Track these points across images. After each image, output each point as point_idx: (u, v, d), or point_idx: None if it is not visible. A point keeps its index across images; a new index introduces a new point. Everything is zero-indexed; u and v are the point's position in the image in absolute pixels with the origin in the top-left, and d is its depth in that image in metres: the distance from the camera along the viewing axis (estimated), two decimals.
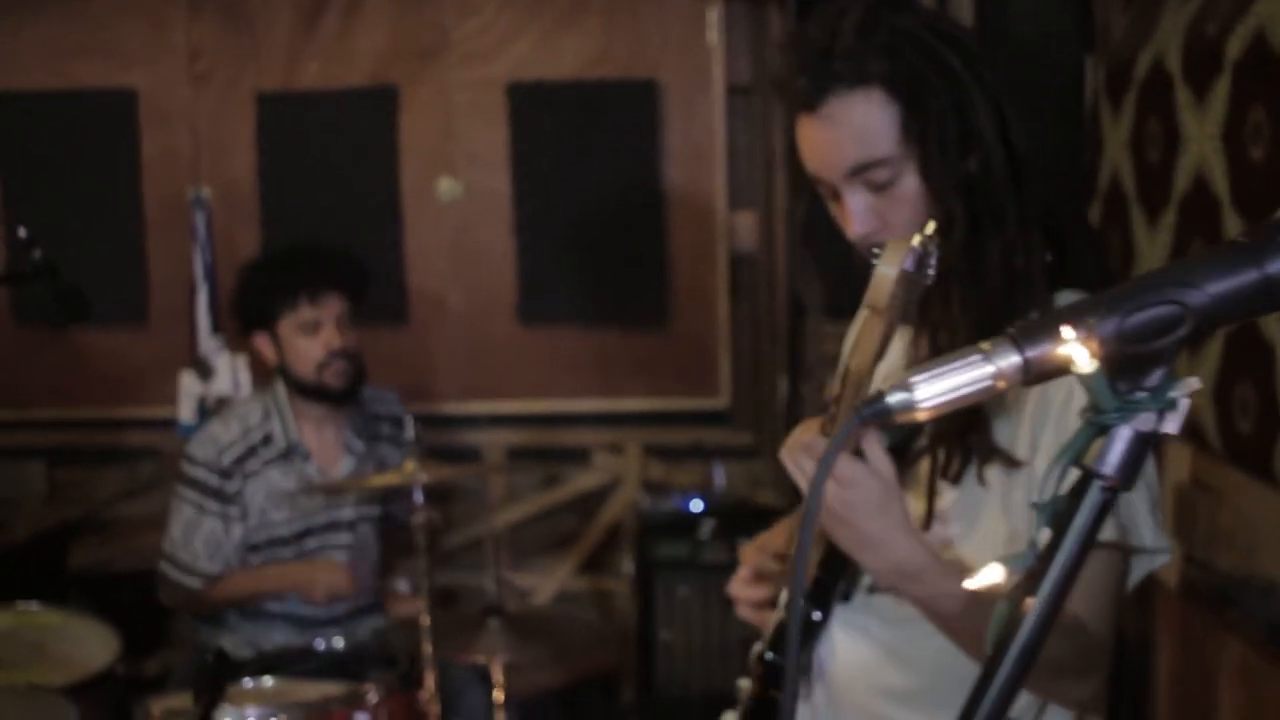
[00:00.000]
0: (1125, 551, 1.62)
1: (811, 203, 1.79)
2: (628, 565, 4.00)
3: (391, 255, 3.98)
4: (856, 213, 1.64)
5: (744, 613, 1.98)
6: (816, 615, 1.82)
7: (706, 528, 3.57)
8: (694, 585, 3.52)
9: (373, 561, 3.39)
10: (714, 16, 3.91)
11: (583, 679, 3.54)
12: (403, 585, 3.38)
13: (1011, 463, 1.61)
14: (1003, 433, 1.63)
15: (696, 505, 3.66)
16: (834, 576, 1.77)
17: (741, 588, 1.97)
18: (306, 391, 3.26)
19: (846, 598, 1.79)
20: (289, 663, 3.01)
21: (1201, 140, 2.77)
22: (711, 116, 3.96)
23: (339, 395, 3.26)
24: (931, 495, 1.65)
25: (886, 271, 1.33)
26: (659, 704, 3.55)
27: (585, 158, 3.97)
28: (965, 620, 1.57)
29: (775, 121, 3.96)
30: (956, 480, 1.64)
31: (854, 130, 1.60)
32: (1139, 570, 1.64)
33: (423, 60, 3.96)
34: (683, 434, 4.04)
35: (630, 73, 3.94)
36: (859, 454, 1.52)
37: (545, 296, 4.01)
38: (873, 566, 1.54)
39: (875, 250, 1.35)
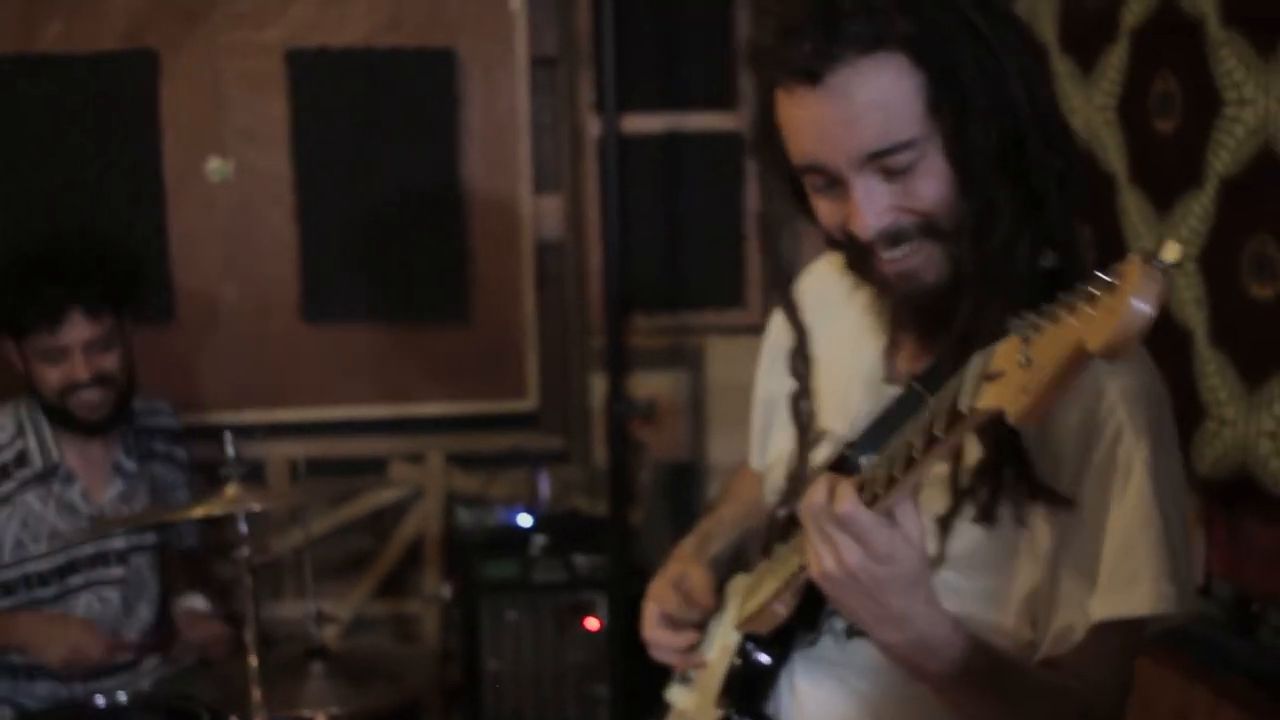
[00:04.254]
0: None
1: (795, 196, 1.54)
2: (435, 586, 3.67)
3: (154, 245, 3.58)
4: (870, 207, 1.40)
5: (664, 657, 1.78)
6: (764, 659, 1.60)
7: (536, 544, 3.29)
8: (524, 608, 3.26)
9: (151, 599, 3.00)
10: None
11: (393, 714, 3.21)
12: (199, 602, 2.97)
13: (1060, 501, 1.39)
14: (1044, 470, 1.41)
15: (524, 519, 3.37)
16: (805, 622, 1.54)
17: (660, 632, 1.76)
18: (54, 415, 2.86)
19: (812, 643, 1.57)
20: None
21: (1089, 113, 2.66)
22: (515, 90, 3.69)
23: (91, 428, 2.87)
24: (945, 535, 1.44)
25: (1141, 309, 0.98)
26: None
27: (375, 135, 3.66)
28: (979, 695, 1.38)
29: (583, 97, 3.70)
30: (984, 520, 1.42)
31: (871, 106, 1.36)
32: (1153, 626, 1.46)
33: (186, 21, 3.55)
34: (488, 440, 3.75)
35: (425, 41, 3.65)
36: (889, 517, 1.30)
37: (332, 291, 3.68)
38: (889, 640, 1.34)
39: (1105, 278, 1.02)
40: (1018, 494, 1.40)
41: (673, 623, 1.77)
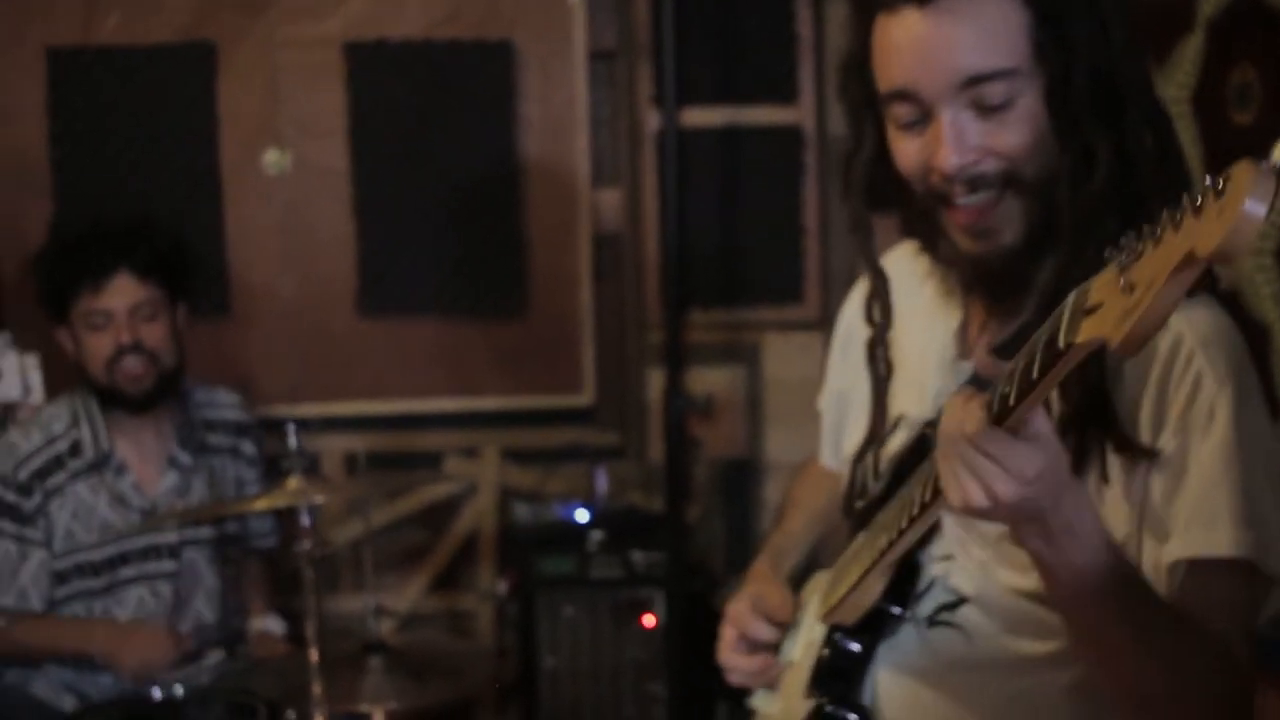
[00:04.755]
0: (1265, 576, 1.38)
1: (879, 142, 1.51)
2: (490, 582, 3.66)
3: (210, 237, 3.58)
4: (956, 138, 1.39)
5: (740, 680, 1.75)
6: (855, 646, 1.57)
7: (594, 540, 3.27)
8: (582, 604, 3.24)
9: (210, 594, 3.00)
10: None
11: (448, 711, 3.20)
12: (273, 624, 2.98)
13: (1144, 453, 1.36)
14: (1123, 414, 1.38)
15: (582, 515, 3.35)
16: (897, 601, 1.50)
17: (736, 657, 1.73)
18: (104, 396, 2.88)
19: (896, 630, 1.54)
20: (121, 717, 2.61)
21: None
22: (573, 83, 3.67)
23: (136, 403, 2.88)
24: None
25: (1256, 210, 0.93)
26: None
27: (433, 128, 3.65)
28: (1125, 620, 1.30)
29: (642, 90, 3.68)
30: (1077, 472, 1.39)
31: (978, 31, 1.36)
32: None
33: (244, 13, 3.56)
34: (544, 434, 3.73)
35: (483, 33, 3.63)
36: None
37: (388, 284, 3.67)
38: (1071, 556, 1.25)
39: (1216, 180, 0.96)
40: (1102, 448, 1.37)
41: (751, 646, 1.74)
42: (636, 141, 3.73)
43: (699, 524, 3.75)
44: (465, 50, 3.62)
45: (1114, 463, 1.38)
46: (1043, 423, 1.22)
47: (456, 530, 3.74)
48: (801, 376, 3.85)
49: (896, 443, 1.60)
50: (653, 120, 3.68)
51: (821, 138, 3.76)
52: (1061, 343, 1.10)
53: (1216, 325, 1.39)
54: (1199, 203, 0.97)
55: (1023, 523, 1.24)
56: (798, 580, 1.84)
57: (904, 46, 1.39)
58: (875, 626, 1.56)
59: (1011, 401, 1.17)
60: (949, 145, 1.38)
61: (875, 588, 1.51)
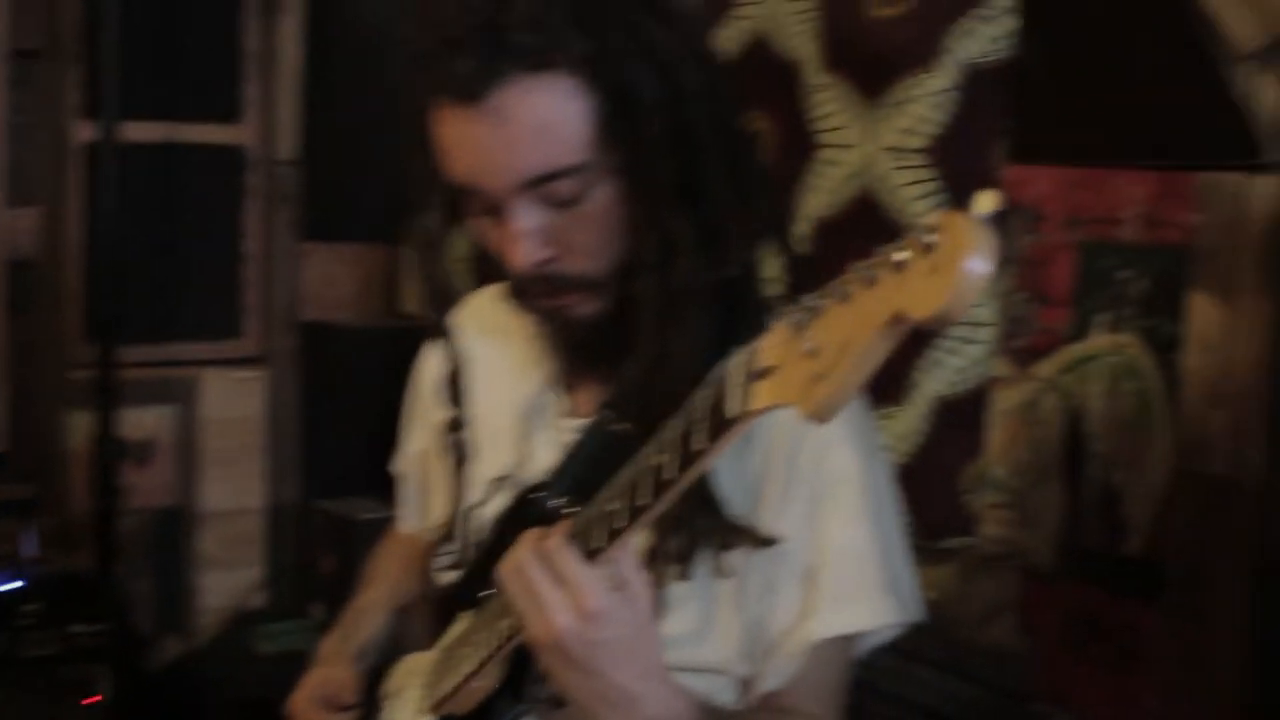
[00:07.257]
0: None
1: (451, 218, 1.39)
2: None
3: None
4: (528, 237, 1.31)
5: None
6: None
7: (26, 612, 2.85)
8: (12, 687, 2.80)
9: None
10: None
11: None
12: None
13: (762, 541, 1.33)
14: (742, 505, 1.34)
15: (14, 584, 2.92)
16: (511, 692, 1.39)
17: None
18: None
19: (518, 716, 1.42)
20: None
21: None
22: None
23: None
24: (658, 584, 1.33)
25: (979, 267, 0.83)
26: None
27: None
28: None
29: (68, 98, 3.30)
30: (682, 577, 1.33)
31: (535, 130, 1.26)
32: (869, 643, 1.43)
33: None
34: None
35: None
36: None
37: None
38: None
39: (919, 234, 0.85)
40: (711, 545, 1.32)
41: None
42: (59, 156, 3.34)
43: (125, 583, 3.39)
44: None
45: (735, 556, 1.33)
46: (632, 569, 1.17)
47: None
48: (241, 417, 3.62)
49: (496, 506, 1.47)
50: (80, 132, 3.30)
51: (268, 160, 3.54)
52: (731, 411, 1.00)
53: None
54: (900, 258, 0.86)
55: (574, 673, 1.18)
56: (378, 657, 1.66)
57: (461, 146, 1.28)
58: (493, 715, 1.42)
59: (669, 476, 1.07)
60: (521, 244, 1.29)
61: (494, 674, 1.38)
